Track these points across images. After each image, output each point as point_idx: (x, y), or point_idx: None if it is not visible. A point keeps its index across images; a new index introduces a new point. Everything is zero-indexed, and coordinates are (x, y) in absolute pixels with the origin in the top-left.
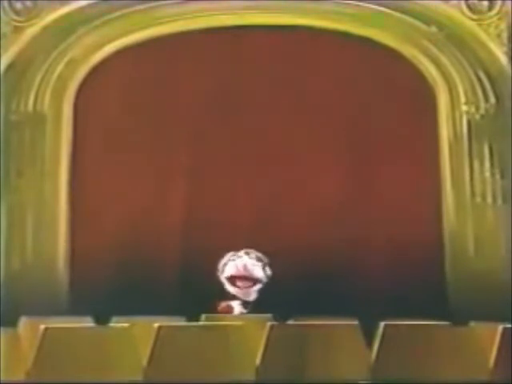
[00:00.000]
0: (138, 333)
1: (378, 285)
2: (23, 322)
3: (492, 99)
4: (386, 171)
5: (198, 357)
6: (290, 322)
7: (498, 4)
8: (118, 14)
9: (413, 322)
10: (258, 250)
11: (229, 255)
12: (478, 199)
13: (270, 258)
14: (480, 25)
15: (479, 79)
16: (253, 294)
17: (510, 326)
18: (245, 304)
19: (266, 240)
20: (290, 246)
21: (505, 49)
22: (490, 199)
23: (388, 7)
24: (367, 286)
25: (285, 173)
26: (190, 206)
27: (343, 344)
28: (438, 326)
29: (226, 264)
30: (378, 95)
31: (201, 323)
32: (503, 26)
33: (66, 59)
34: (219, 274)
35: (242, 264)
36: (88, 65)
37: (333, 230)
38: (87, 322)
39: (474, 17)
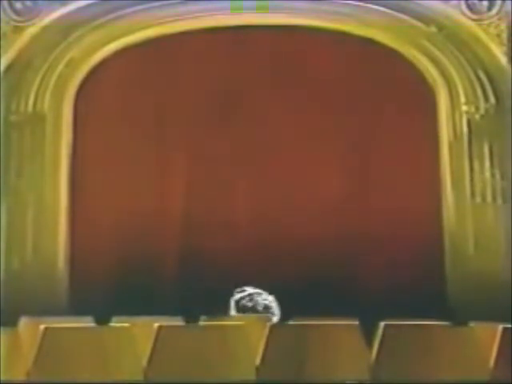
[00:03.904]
0: (138, 333)
1: (378, 285)
2: (23, 322)
3: (492, 99)
4: (385, 171)
5: (198, 357)
6: (290, 322)
7: (498, 4)
8: (117, 14)
9: (413, 322)
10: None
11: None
12: (478, 199)
13: (269, 256)
14: (480, 25)
15: (479, 79)
16: None
17: (510, 325)
18: None
19: (266, 238)
20: (288, 246)
21: (505, 49)
22: (489, 199)
23: (388, 7)
24: (367, 286)
25: (284, 173)
26: (190, 205)
27: (343, 344)
28: (438, 326)
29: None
30: (378, 95)
31: (201, 323)
32: (503, 26)
33: (65, 59)
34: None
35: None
36: (88, 65)
37: (333, 229)
38: (87, 322)
39: (474, 17)
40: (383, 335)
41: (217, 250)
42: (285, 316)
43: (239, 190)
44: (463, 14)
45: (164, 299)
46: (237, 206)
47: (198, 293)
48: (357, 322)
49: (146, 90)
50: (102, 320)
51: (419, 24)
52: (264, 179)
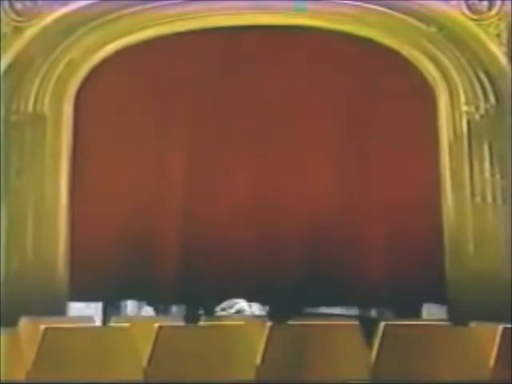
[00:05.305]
0: (138, 333)
1: (378, 284)
2: (23, 322)
3: (492, 99)
4: (386, 171)
5: (198, 357)
6: (290, 322)
7: (498, 4)
8: (117, 14)
9: (413, 321)
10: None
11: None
12: (478, 199)
13: (269, 246)
14: (480, 25)
15: (479, 79)
16: None
17: (510, 325)
18: None
19: (265, 228)
20: (289, 239)
21: (505, 49)
22: (489, 199)
23: (388, 7)
24: (367, 286)
25: (284, 166)
26: (189, 204)
27: (343, 344)
28: (438, 325)
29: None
30: (378, 95)
31: (201, 323)
32: (503, 26)
33: (65, 59)
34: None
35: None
36: (88, 65)
37: (332, 229)
38: (87, 322)
39: (474, 17)
40: (383, 335)
41: (218, 241)
42: (285, 307)
43: (239, 178)
44: (463, 14)
45: (164, 301)
46: (237, 196)
47: (199, 290)
48: (357, 322)
49: (145, 90)
50: (103, 320)
51: (419, 24)
52: (264, 168)
